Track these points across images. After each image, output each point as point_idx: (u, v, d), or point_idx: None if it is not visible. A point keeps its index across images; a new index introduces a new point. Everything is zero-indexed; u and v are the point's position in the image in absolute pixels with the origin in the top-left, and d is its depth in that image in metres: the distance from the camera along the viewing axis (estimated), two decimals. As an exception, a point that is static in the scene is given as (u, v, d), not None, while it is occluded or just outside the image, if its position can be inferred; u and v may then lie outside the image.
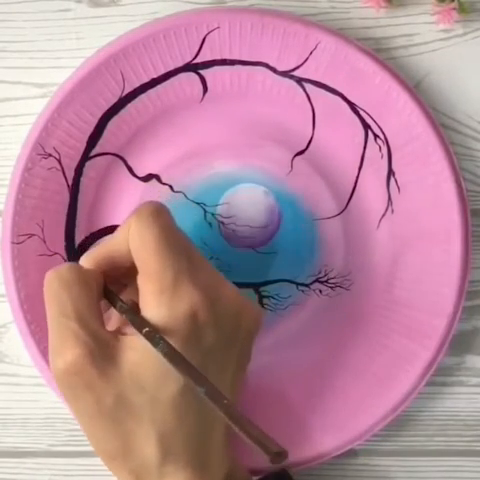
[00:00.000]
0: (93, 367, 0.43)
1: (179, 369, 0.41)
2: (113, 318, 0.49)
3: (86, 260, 0.49)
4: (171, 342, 0.43)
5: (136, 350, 0.44)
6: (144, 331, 0.43)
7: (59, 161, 0.54)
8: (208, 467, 0.46)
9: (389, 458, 0.57)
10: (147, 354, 0.43)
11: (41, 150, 0.54)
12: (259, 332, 0.49)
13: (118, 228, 0.48)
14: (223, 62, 0.54)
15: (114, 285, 0.49)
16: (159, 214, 0.47)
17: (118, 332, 0.46)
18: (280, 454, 0.38)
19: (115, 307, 0.47)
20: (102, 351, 0.44)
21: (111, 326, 0.48)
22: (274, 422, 0.55)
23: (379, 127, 0.54)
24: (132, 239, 0.46)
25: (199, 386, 0.40)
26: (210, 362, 0.45)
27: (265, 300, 0.56)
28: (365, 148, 0.55)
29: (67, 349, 0.44)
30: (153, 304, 0.44)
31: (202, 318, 0.44)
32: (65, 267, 0.47)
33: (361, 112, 0.54)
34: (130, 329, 0.45)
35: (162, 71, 0.54)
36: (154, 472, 0.45)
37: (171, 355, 0.41)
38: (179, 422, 0.45)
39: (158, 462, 0.45)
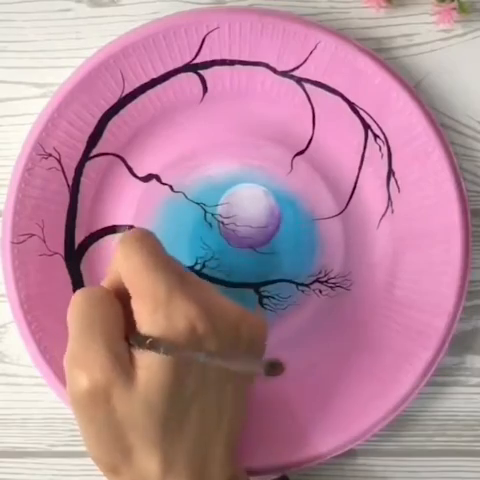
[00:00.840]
0: (114, 391, 0.43)
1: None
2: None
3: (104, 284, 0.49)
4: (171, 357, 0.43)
5: (146, 369, 0.43)
6: (147, 342, 0.43)
7: (59, 161, 0.54)
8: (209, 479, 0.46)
9: (388, 458, 0.57)
10: (154, 374, 0.43)
11: (41, 150, 0.54)
12: (264, 341, 0.49)
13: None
14: (223, 62, 0.54)
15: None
16: (145, 238, 0.47)
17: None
18: (274, 365, 0.37)
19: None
20: (123, 374, 0.43)
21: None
22: (274, 422, 0.55)
23: (379, 127, 0.54)
24: (120, 265, 0.46)
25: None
26: (211, 372, 0.45)
27: (265, 300, 0.56)
28: (365, 148, 0.55)
29: (91, 371, 0.43)
30: (149, 322, 0.44)
31: (201, 330, 0.44)
32: (95, 288, 0.47)
33: (361, 112, 0.54)
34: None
35: (162, 71, 0.54)
36: None
37: (175, 352, 0.42)
38: (181, 438, 0.45)
39: (159, 477, 0.45)
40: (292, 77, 0.54)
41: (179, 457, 0.45)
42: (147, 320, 0.44)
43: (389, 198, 0.55)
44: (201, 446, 0.46)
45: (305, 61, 0.54)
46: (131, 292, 0.45)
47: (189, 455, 0.45)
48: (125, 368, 0.43)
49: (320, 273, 0.56)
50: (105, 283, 0.48)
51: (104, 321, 0.45)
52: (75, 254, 0.56)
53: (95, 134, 0.55)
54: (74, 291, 0.55)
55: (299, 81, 0.54)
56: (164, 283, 0.44)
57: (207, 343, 0.44)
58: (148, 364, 0.43)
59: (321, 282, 0.56)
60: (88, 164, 0.55)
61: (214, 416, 0.46)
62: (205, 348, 0.44)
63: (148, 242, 0.47)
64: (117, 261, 0.46)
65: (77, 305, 0.46)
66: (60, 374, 0.53)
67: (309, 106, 0.55)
